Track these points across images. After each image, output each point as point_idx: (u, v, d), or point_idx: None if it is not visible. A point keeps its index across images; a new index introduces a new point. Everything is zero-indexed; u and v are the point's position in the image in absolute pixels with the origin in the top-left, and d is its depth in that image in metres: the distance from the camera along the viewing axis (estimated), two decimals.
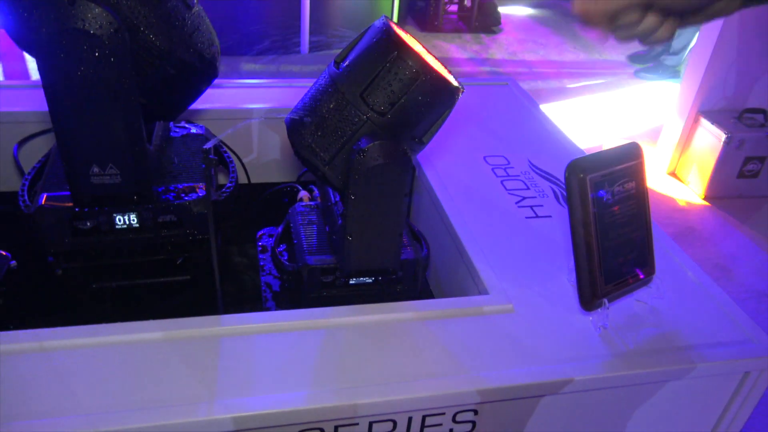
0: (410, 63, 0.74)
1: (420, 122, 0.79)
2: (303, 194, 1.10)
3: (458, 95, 0.80)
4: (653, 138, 3.08)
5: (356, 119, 0.76)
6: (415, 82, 0.75)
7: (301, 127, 0.79)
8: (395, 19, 4.24)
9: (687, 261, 0.98)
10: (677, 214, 2.66)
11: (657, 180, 2.88)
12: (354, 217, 0.80)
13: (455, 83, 0.79)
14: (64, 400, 0.66)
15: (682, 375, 0.79)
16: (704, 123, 2.74)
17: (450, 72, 0.81)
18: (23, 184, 0.95)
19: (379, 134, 0.76)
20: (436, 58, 0.81)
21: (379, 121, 0.76)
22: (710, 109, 2.76)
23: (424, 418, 0.73)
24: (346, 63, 0.77)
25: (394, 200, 0.81)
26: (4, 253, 0.95)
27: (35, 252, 0.93)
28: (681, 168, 2.89)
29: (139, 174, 0.87)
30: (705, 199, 2.76)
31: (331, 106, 0.77)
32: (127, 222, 0.91)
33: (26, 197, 0.93)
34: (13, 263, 0.95)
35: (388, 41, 0.75)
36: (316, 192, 1.11)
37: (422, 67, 0.74)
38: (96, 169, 0.86)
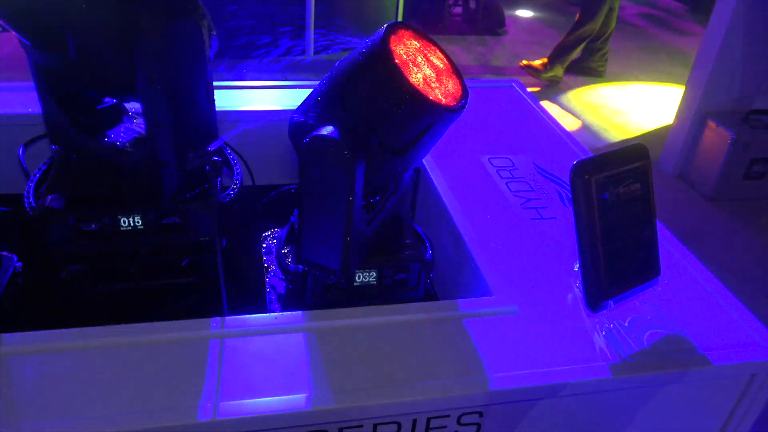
0: (402, 90, 0.72)
1: (388, 130, 0.76)
2: None
3: (445, 115, 0.74)
4: (659, 139, 3.07)
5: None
6: (403, 104, 0.72)
7: (303, 128, 0.79)
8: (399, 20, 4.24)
9: (693, 262, 0.97)
10: (684, 215, 2.65)
11: (663, 181, 2.87)
12: (303, 205, 0.78)
13: (441, 102, 0.74)
14: (68, 402, 0.66)
15: (688, 377, 0.78)
16: (710, 124, 2.73)
17: (456, 77, 0.79)
18: (28, 186, 0.95)
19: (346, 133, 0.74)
20: (445, 59, 0.79)
21: (344, 118, 0.74)
22: (716, 111, 2.75)
23: (428, 420, 0.73)
24: (344, 68, 0.76)
25: (335, 200, 0.76)
26: (9, 255, 0.95)
27: (40, 254, 0.94)
28: (687, 169, 2.88)
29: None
30: (711, 200, 2.75)
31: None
32: (132, 224, 0.91)
33: (31, 199, 0.93)
34: (19, 265, 0.96)
35: (382, 62, 0.73)
36: None
37: (410, 93, 0.72)
38: None
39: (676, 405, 0.82)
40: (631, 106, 3.68)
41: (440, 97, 0.75)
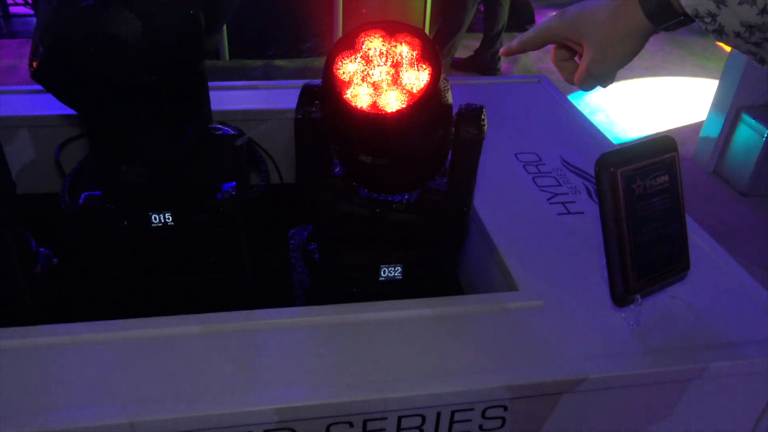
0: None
1: None
2: None
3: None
4: (693, 134, 3.01)
5: None
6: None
7: None
8: (427, 20, 4.24)
9: (724, 257, 0.95)
10: (718, 211, 2.60)
11: (697, 177, 2.81)
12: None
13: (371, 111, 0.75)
14: (103, 391, 0.68)
15: (716, 371, 0.77)
16: (745, 118, 2.67)
17: (428, 62, 0.75)
18: (64, 185, 0.98)
19: None
20: (418, 45, 0.75)
21: None
22: (751, 105, 2.69)
23: (452, 413, 0.73)
24: None
25: None
26: (47, 252, 0.98)
27: (76, 250, 0.96)
28: (722, 165, 2.82)
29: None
30: (746, 196, 2.69)
31: None
32: (163, 221, 0.93)
33: (67, 198, 0.96)
34: (55, 261, 0.99)
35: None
36: None
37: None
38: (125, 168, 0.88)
39: (705, 401, 0.81)
40: (664, 100, 3.62)
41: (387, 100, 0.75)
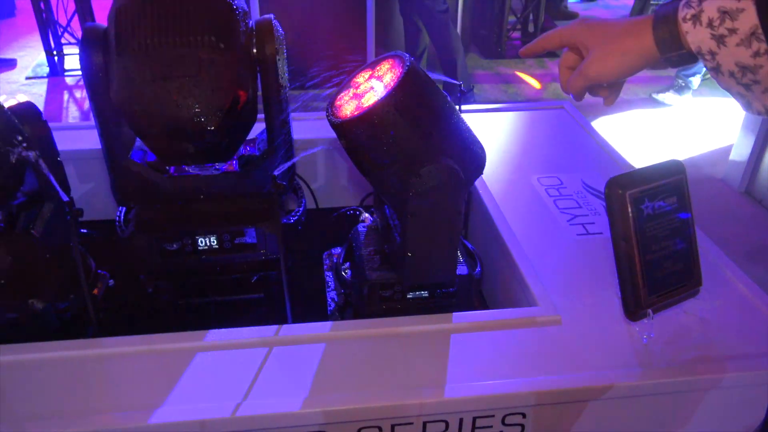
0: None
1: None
2: (365, 216, 1.18)
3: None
4: (724, 155, 3.01)
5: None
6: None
7: None
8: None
9: (738, 274, 0.99)
10: (750, 232, 2.59)
11: (729, 197, 2.81)
12: (413, 235, 0.87)
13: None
14: (150, 394, 0.76)
15: (728, 383, 0.81)
16: None
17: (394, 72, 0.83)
18: (119, 212, 1.08)
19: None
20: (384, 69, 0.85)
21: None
22: None
23: (474, 419, 0.79)
24: None
25: (450, 217, 0.87)
26: (103, 273, 1.07)
27: (129, 272, 1.06)
28: (753, 185, 2.82)
29: None
30: None
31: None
32: (208, 244, 1.02)
33: (122, 223, 1.06)
34: (111, 282, 1.08)
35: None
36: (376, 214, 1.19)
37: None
38: None
39: (716, 412, 0.85)
40: (694, 120, 3.62)
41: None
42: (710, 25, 0.63)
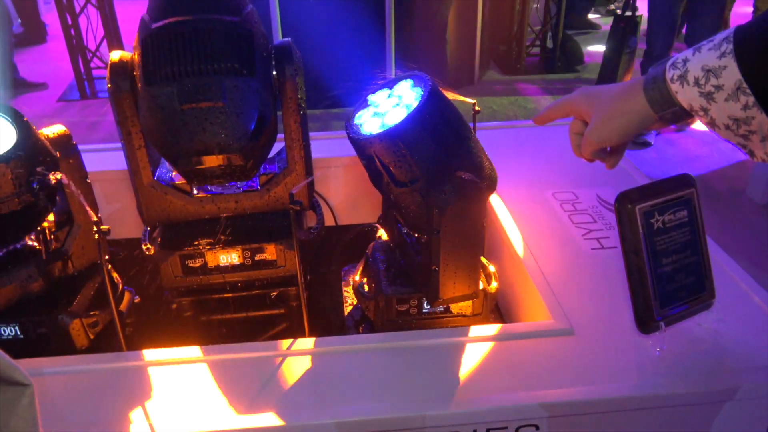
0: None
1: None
2: (382, 232, 1.21)
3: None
4: (746, 168, 2.99)
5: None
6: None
7: None
8: (477, 63, 4.36)
9: (754, 286, 1.00)
10: None
11: (751, 210, 2.79)
12: (438, 252, 0.88)
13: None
14: (176, 406, 0.79)
15: (741, 396, 0.82)
16: None
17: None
18: (145, 231, 1.12)
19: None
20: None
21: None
22: None
23: (487, 431, 0.80)
24: None
25: (474, 232, 0.89)
26: (129, 290, 1.11)
27: (154, 288, 1.09)
28: None
29: None
30: None
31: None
32: (230, 260, 1.05)
33: (147, 242, 1.09)
34: (137, 298, 1.12)
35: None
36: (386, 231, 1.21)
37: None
38: None
39: (730, 424, 0.85)
40: (714, 136, 3.59)
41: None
42: (697, 83, 0.65)
